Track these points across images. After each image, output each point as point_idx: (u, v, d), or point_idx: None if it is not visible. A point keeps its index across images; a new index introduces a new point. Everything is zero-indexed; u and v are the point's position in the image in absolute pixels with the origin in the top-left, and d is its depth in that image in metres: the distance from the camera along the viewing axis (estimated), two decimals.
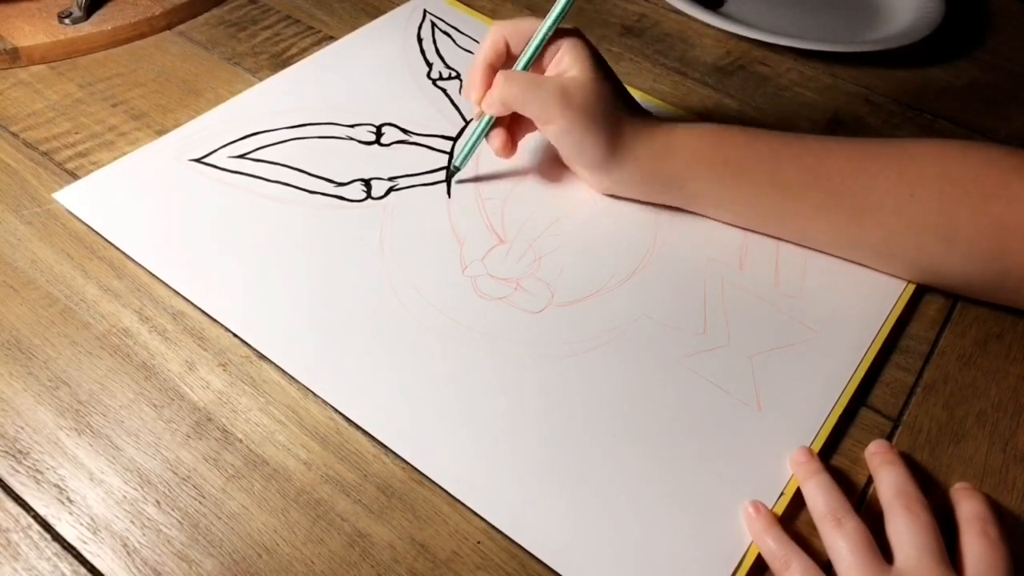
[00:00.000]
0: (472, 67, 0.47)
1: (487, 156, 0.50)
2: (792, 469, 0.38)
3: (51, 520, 0.34)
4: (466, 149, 0.48)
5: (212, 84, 0.55)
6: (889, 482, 0.37)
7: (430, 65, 0.58)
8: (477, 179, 0.50)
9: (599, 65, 0.45)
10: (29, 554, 0.33)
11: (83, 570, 0.33)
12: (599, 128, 0.45)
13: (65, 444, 0.36)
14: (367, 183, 0.49)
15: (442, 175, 0.50)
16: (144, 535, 0.34)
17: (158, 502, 0.35)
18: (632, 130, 0.46)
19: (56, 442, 0.37)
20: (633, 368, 0.41)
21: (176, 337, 0.41)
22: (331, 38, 0.60)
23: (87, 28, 0.56)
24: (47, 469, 0.36)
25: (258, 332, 0.41)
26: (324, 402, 0.39)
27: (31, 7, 0.57)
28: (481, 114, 0.47)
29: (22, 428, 0.37)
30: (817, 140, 0.46)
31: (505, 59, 0.46)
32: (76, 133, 0.50)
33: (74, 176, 0.47)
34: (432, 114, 0.54)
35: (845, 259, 0.47)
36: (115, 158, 0.49)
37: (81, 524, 0.34)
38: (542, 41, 0.45)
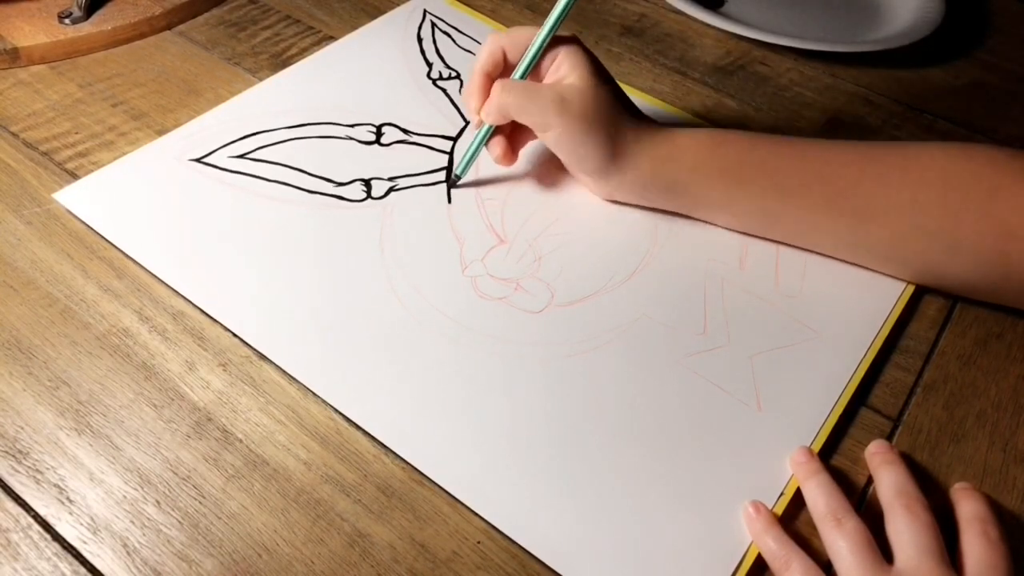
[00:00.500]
0: (470, 77, 0.47)
1: (487, 157, 0.50)
2: (792, 469, 0.38)
3: (51, 520, 0.34)
4: (466, 158, 0.48)
5: (212, 84, 0.55)
6: (889, 482, 0.37)
7: (430, 65, 0.58)
8: (477, 180, 0.50)
9: (597, 71, 0.45)
10: (29, 554, 0.33)
11: (83, 570, 0.33)
12: (598, 134, 0.45)
13: (65, 444, 0.36)
14: (367, 183, 0.49)
15: (442, 175, 0.50)
16: (144, 535, 0.34)
17: (158, 502, 0.35)
18: (633, 136, 0.45)
19: (56, 442, 0.37)
20: (633, 368, 0.41)
21: (176, 337, 0.41)
22: (331, 38, 0.60)
23: (87, 28, 0.56)
24: (47, 469, 0.36)
25: (258, 332, 0.41)
26: (324, 402, 0.39)
27: (31, 7, 0.57)
28: (480, 123, 0.47)
29: (22, 428, 0.37)
30: (818, 144, 0.46)
31: (503, 68, 0.46)
32: (76, 133, 0.50)
33: (74, 176, 0.47)
34: (432, 114, 0.54)
35: (848, 263, 0.47)
36: (115, 158, 0.49)
37: (81, 524, 0.34)
38: (539, 49, 0.45)
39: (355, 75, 0.56)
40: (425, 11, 0.63)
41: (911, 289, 0.46)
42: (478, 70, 0.46)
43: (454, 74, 0.57)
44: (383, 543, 0.35)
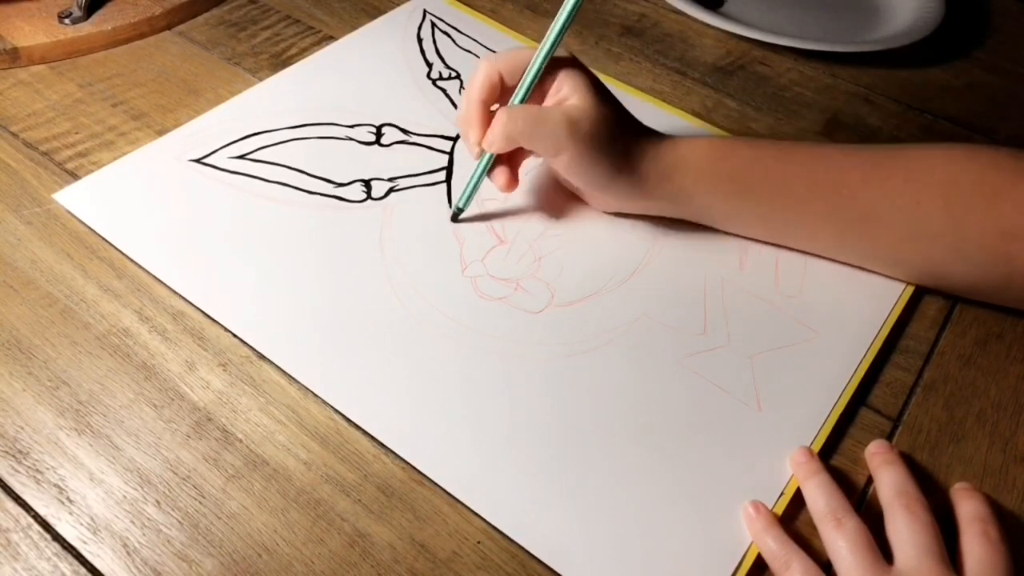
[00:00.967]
0: (465, 107, 0.45)
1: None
2: (792, 469, 0.38)
3: (51, 520, 0.34)
4: (468, 190, 0.47)
5: (212, 84, 0.55)
6: (889, 482, 0.37)
7: (430, 65, 0.58)
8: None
9: (599, 90, 0.44)
10: (29, 554, 0.33)
11: (83, 570, 0.33)
12: (607, 153, 0.44)
13: (65, 444, 0.36)
14: (367, 183, 0.49)
15: (442, 175, 0.50)
16: (144, 535, 0.34)
17: (158, 502, 0.35)
18: (638, 150, 0.45)
19: (56, 442, 0.37)
20: (633, 368, 0.41)
21: (176, 337, 0.41)
22: (331, 38, 0.60)
23: (87, 28, 0.56)
24: (47, 469, 0.36)
25: (258, 332, 0.41)
26: (324, 402, 0.39)
27: (31, 7, 0.57)
28: (481, 153, 0.45)
29: (22, 428, 0.37)
30: (822, 149, 0.46)
31: (499, 93, 0.45)
32: (76, 133, 0.50)
33: (74, 176, 0.47)
34: (432, 114, 0.54)
35: (852, 266, 0.47)
36: (115, 158, 0.49)
37: (81, 524, 0.34)
38: (539, 71, 0.43)
39: (355, 75, 0.56)
40: (425, 11, 0.63)
41: (911, 289, 0.46)
42: (474, 99, 0.44)
43: (454, 74, 0.57)
44: (383, 543, 0.35)
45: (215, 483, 0.36)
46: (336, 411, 0.39)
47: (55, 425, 0.37)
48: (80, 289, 0.42)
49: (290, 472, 0.37)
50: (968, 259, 0.43)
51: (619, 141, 0.44)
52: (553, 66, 0.44)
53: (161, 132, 0.51)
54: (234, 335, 0.41)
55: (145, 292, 0.42)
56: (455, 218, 0.48)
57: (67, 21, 0.56)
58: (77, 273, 0.43)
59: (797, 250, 0.48)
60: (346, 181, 0.49)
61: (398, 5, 0.63)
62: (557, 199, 0.49)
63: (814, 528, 0.36)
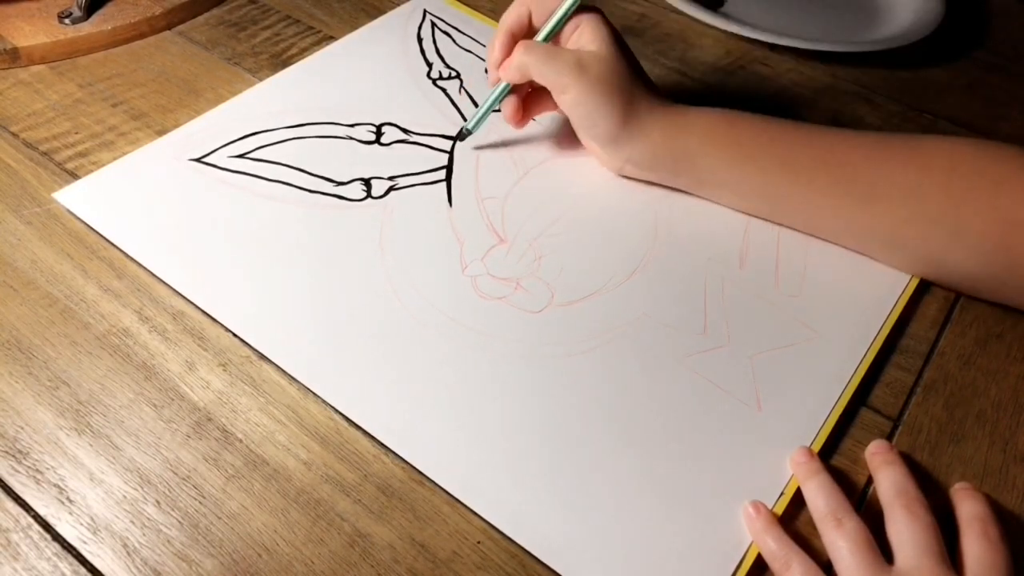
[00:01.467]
0: (495, 34, 0.48)
1: (488, 156, 0.50)
2: (792, 469, 0.38)
3: (51, 520, 0.34)
4: (480, 113, 0.50)
5: (212, 84, 0.55)
6: (889, 482, 0.37)
7: (430, 65, 0.58)
8: (477, 179, 0.50)
9: (617, 42, 0.47)
10: (29, 554, 0.33)
11: (83, 570, 0.33)
12: (613, 101, 0.46)
13: (65, 444, 0.36)
14: (367, 183, 0.49)
15: (442, 174, 0.50)
16: (144, 535, 0.34)
17: (158, 502, 0.35)
18: (646, 107, 0.47)
19: (56, 442, 0.37)
20: (633, 368, 0.41)
21: (176, 337, 0.41)
22: (331, 38, 0.60)
23: (87, 28, 0.56)
24: (47, 469, 0.36)
25: (258, 332, 0.41)
26: (324, 402, 0.39)
27: (31, 7, 0.57)
28: (498, 80, 0.48)
29: (22, 428, 0.37)
30: (828, 130, 0.48)
31: (527, 29, 0.48)
32: (76, 133, 0.50)
33: (74, 176, 0.47)
34: (432, 114, 0.54)
35: (851, 249, 0.47)
36: (115, 158, 0.49)
37: (81, 524, 0.34)
38: (564, 14, 0.47)
39: (355, 75, 0.56)
40: (425, 11, 0.63)
41: (911, 289, 0.46)
42: (504, 28, 0.48)
43: (454, 74, 0.57)
44: (383, 543, 0.35)
45: (215, 483, 0.36)
46: (336, 411, 0.39)
47: (55, 425, 0.37)
48: (80, 289, 0.42)
49: (290, 472, 0.37)
50: (967, 247, 0.43)
51: (626, 92, 0.46)
52: (578, 14, 0.47)
53: (161, 132, 0.51)
54: (234, 335, 0.41)
55: (145, 292, 0.42)
56: (461, 137, 0.51)
57: (67, 21, 0.56)
58: (77, 273, 0.43)
59: (798, 230, 0.48)
60: (346, 180, 0.49)
61: (398, 5, 0.63)
62: (558, 186, 0.50)
63: (814, 528, 0.36)
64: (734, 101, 0.59)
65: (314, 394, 0.39)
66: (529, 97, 0.50)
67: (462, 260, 0.45)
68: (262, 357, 0.40)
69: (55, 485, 0.35)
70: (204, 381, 0.39)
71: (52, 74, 0.54)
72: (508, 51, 0.48)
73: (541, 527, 0.35)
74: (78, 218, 0.45)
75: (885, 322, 0.45)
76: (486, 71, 0.50)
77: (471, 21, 0.62)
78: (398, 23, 0.61)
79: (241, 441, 0.37)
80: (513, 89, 0.49)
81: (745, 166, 0.47)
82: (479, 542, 0.35)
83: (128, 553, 0.34)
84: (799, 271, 0.47)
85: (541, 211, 0.49)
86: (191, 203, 0.46)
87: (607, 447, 0.38)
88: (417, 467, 0.37)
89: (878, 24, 0.69)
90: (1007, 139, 0.59)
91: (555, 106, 0.49)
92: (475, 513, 0.36)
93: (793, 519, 0.37)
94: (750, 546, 0.36)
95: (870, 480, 0.39)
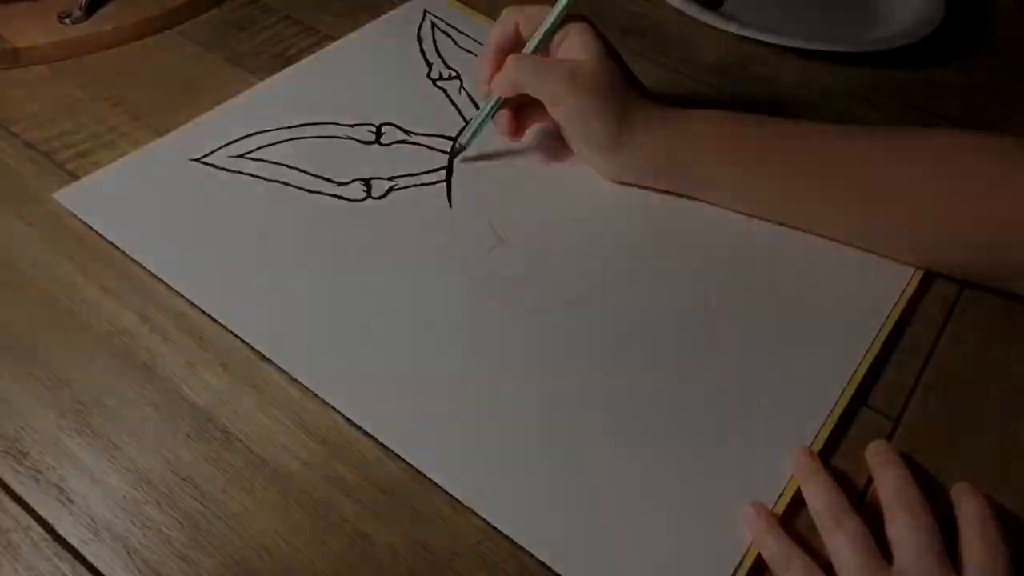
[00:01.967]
0: (484, 49, 0.48)
1: (488, 157, 0.51)
2: (792, 469, 0.38)
3: (51, 520, 0.34)
4: (472, 128, 0.49)
5: (212, 84, 0.54)
6: (889, 482, 0.37)
7: (430, 65, 0.58)
8: (477, 180, 0.50)
9: (607, 50, 0.46)
10: (29, 554, 0.33)
11: (83, 570, 0.33)
12: (607, 110, 0.46)
13: (66, 444, 0.36)
14: (367, 183, 0.49)
15: (442, 175, 0.50)
16: (145, 535, 0.34)
17: (159, 502, 0.35)
18: (642, 113, 0.46)
19: (57, 442, 0.37)
20: (633, 368, 0.41)
21: (177, 337, 0.41)
22: (331, 38, 0.60)
23: (87, 28, 0.56)
24: (47, 469, 0.36)
25: (259, 332, 0.41)
26: (325, 403, 0.39)
27: (31, 7, 0.57)
28: (489, 94, 0.48)
29: (23, 428, 0.37)
30: (825, 127, 0.48)
31: (515, 42, 0.47)
32: (76, 133, 0.50)
33: (74, 176, 0.47)
34: (432, 114, 0.54)
35: (850, 245, 0.48)
36: (115, 158, 0.49)
37: (82, 524, 0.34)
38: (552, 25, 0.46)
39: (355, 75, 0.56)
40: (425, 11, 0.63)
41: (912, 289, 0.47)
42: (492, 43, 0.47)
43: (454, 74, 0.57)
44: (384, 543, 0.35)
45: (216, 483, 0.36)
46: (337, 412, 0.39)
47: (56, 425, 0.37)
48: (80, 289, 0.42)
49: (291, 473, 0.37)
50: (965, 242, 0.44)
51: (621, 101, 0.46)
52: (566, 23, 0.46)
53: (161, 132, 0.51)
54: (235, 335, 0.41)
55: (146, 292, 0.42)
56: (454, 154, 0.50)
57: (67, 21, 0.56)
58: (77, 273, 0.43)
59: (796, 228, 0.48)
60: (346, 180, 0.49)
61: (398, 5, 0.63)
62: (558, 187, 0.50)
63: (814, 528, 0.36)
64: (734, 101, 0.59)
65: (315, 395, 0.39)
66: (521, 110, 0.49)
67: (462, 261, 0.45)
68: (263, 358, 0.40)
69: (56, 485, 0.35)
70: (205, 382, 0.39)
71: (52, 74, 0.54)
72: (498, 66, 0.47)
73: (541, 527, 0.36)
74: (78, 218, 0.45)
75: (885, 322, 0.45)
76: None
77: (471, 21, 0.62)
78: (398, 23, 0.61)
79: (242, 442, 0.37)
80: (505, 102, 0.48)
81: (743, 168, 0.47)
82: (479, 542, 0.35)
83: (128, 553, 0.34)
84: (799, 271, 0.47)
85: (542, 212, 0.49)
86: (191, 203, 0.46)
87: (607, 448, 0.38)
88: (417, 467, 0.37)
89: (878, 24, 0.69)
90: None
91: (548, 117, 0.48)
92: (475, 513, 0.36)
93: (793, 519, 0.37)
94: (750, 546, 0.36)
95: (870, 480, 0.39)
